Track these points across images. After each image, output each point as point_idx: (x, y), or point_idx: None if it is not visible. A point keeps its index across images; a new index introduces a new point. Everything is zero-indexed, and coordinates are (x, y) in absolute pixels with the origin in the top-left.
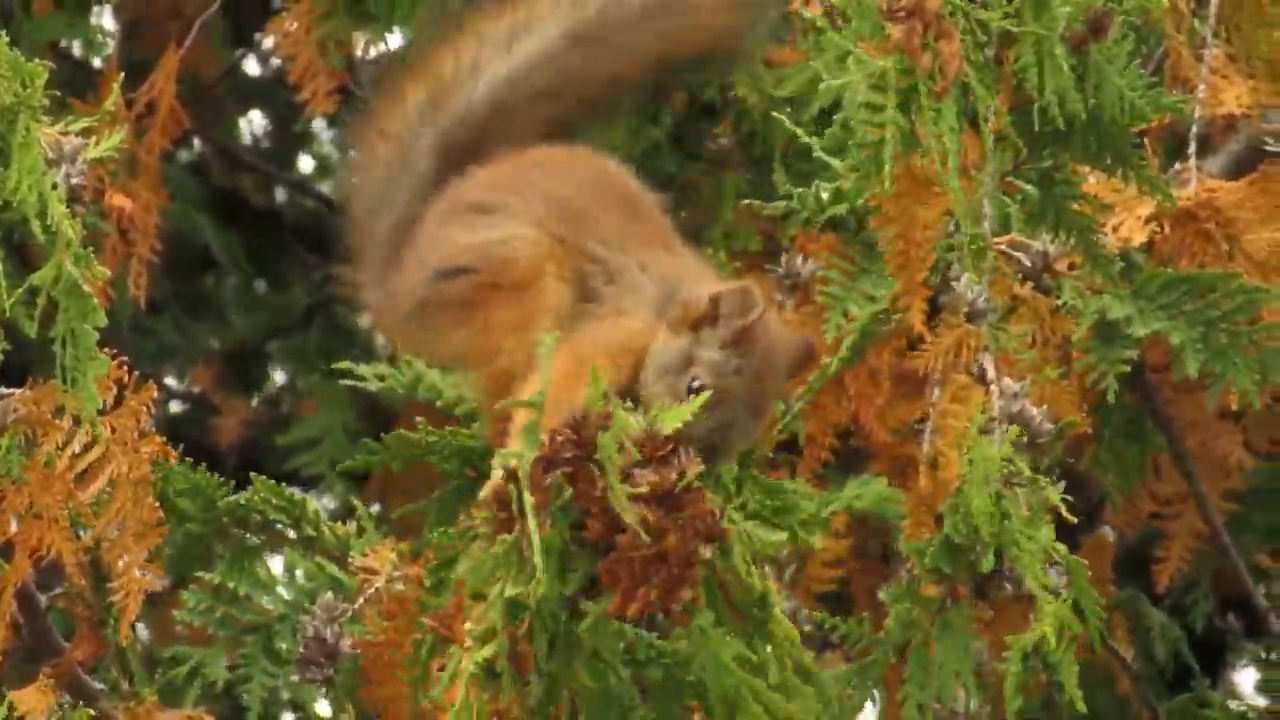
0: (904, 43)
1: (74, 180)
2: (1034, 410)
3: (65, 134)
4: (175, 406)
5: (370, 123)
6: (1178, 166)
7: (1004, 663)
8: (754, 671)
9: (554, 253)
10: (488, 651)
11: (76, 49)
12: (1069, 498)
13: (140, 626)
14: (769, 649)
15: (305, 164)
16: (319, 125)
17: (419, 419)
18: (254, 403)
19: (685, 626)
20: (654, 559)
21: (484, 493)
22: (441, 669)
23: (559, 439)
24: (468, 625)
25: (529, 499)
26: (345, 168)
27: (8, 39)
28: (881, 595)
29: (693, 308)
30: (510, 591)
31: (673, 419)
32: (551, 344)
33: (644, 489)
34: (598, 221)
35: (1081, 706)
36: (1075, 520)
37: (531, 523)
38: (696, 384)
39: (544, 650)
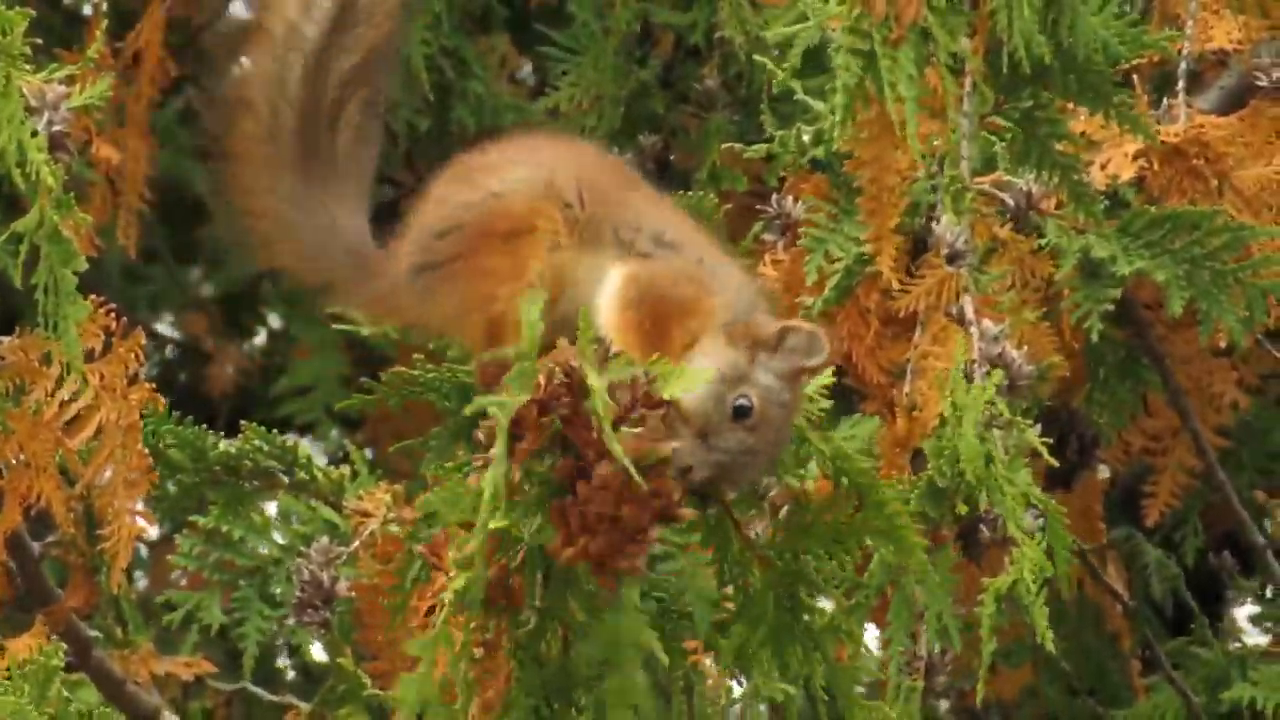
0: None
1: (56, 128)
2: (1014, 353)
3: (48, 82)
4: (168, 353)
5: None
6: (1167, 103)
7: (980, 606)
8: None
9: (551, 196)
10: (465, 579)
11: None
12: (1050, 440)
13: (138, 574)
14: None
15: None
16: None
17: (416, 355)
18: (246, 349)
19: (611, 591)
20: (606, 519)
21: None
22: (429, 611)
23: (554, 383)
24: (452, 554)
25: (502, 438)
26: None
27: None
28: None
29: (760, 329)
30: (496, 524)
31: (676, 386)
32: (532, 301)
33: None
34: (616, 186)
35: (1051, 647)
36: (1058, 463)
37: (500, 449)
38: (743, 403)
39: (537, 584)
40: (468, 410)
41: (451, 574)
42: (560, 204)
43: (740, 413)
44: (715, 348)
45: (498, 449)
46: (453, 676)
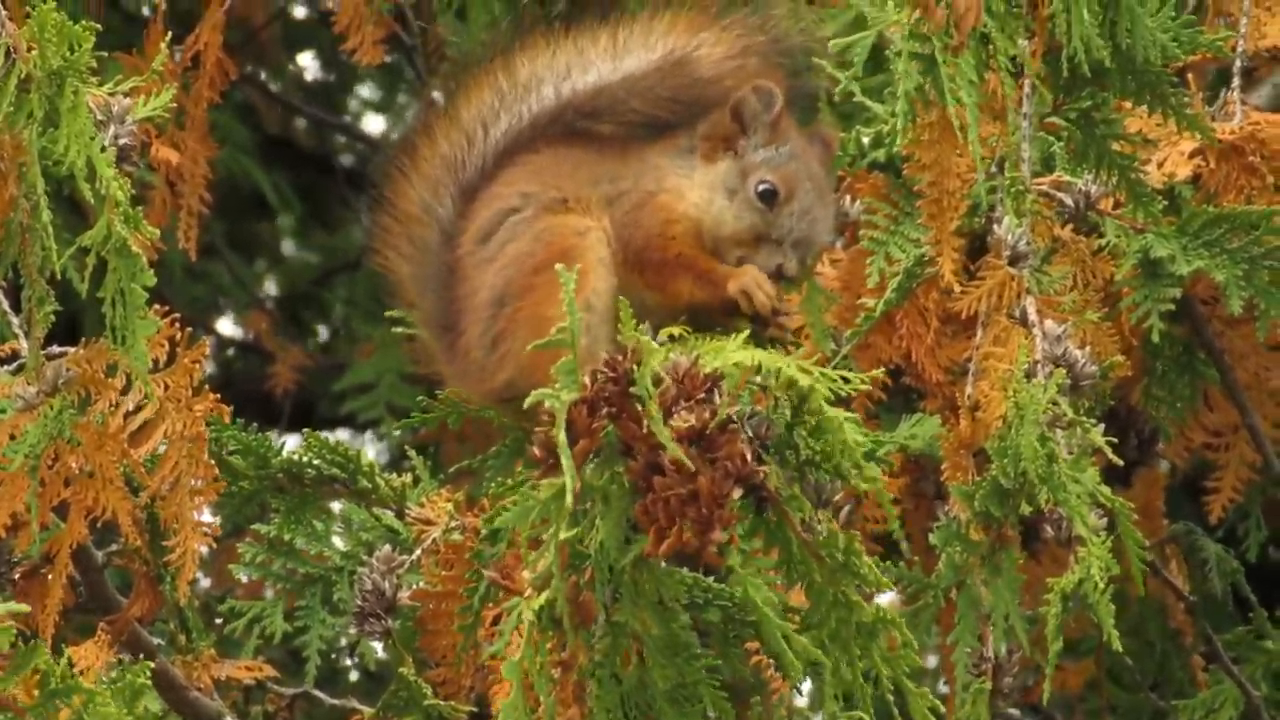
0: None
1: (123, 141)
2: (1077, 352)
3: (113, 94)
4: (230, 353)
5: (385, 208)
6: (1222, 100)
7: (1045, 606)
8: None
9: (572, 209)
10: (545, 598)
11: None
12: (1114, 439)
13: (200, 575)
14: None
15: (365, 92)
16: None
17: None
18: (308, 348)
19: (718, 566)
20: (687, 499)
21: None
22: (496, 619)
23: (599, 377)
24: (526, 574)
25: (563, 440)
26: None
27: None
28: (931, 539)
29: (718, 127)
30: (564, 535)
31: (716, 359)
32: (571, 275)
33: (682, 425)
34: (585, 159)
35: (1118, 646)
36: (1122, 462)
37: (566, 461)
38: (763, 187)
39: (607, 598)
40: (525, 404)
41: (528, 593)
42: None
43: (767, 196)
44: (704, 181)
45: (562, 454)
46: (539, 696)
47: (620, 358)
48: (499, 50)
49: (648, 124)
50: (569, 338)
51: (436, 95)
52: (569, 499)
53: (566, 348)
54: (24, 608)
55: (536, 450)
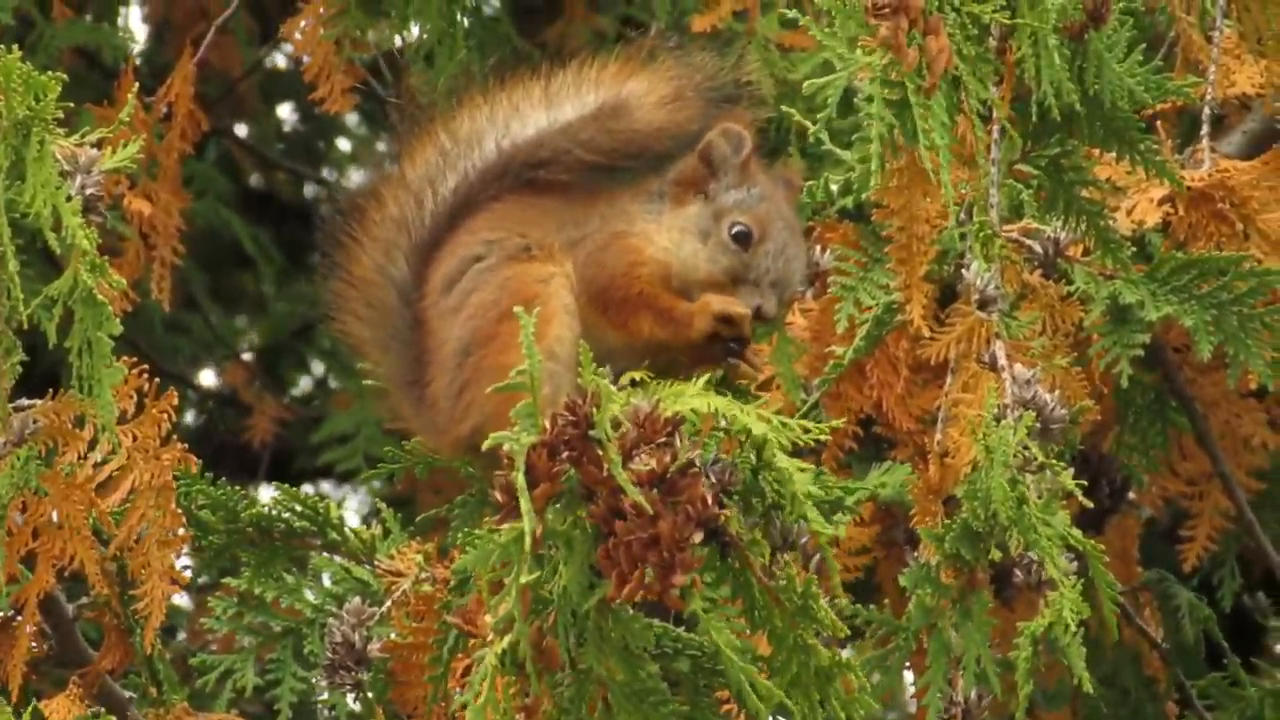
0: (889, 39)
1: (89, 191)
2: (1047, 396)
3: (80, 145)
4: (209, 404)
5: (335, 272)
6: (1191, 148)
7: (1015, 649)
8: (755, 659)
9: (535, 256)
10: (507, 641)
11: (101, 53)
12: (1084, 482)
13: (180, 633)
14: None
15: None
16: (348, 117)
17: None
18: (287, 400)
19: (680, 611)
20: (648, 543)
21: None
22: (466, 671)
23: (559, 421)
24: (488, 618)
25: (522, 483)
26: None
27: (25, 47)
28: (901, 580)
29: (687, 171)
30: (525, 579)
31: (676, 403)
32: (530, 320)
33: (643, 469)
34: (551, 206)
35: (1090, 688)
36: (1092, 505)
37: (525, 504)
38: (737, 228)
39: (571, 644)
40: (484, 446)
41: (489, 638)
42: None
43: (741, 237)
44: (675, 225)
45: (521, 497)
46: None
47: (580, 401)
48: (439, 109)
49: (600, 170)
50: (529, 381)
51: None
52: (528, 541)
53: (526, 391)
54: None
55: (497, 494)
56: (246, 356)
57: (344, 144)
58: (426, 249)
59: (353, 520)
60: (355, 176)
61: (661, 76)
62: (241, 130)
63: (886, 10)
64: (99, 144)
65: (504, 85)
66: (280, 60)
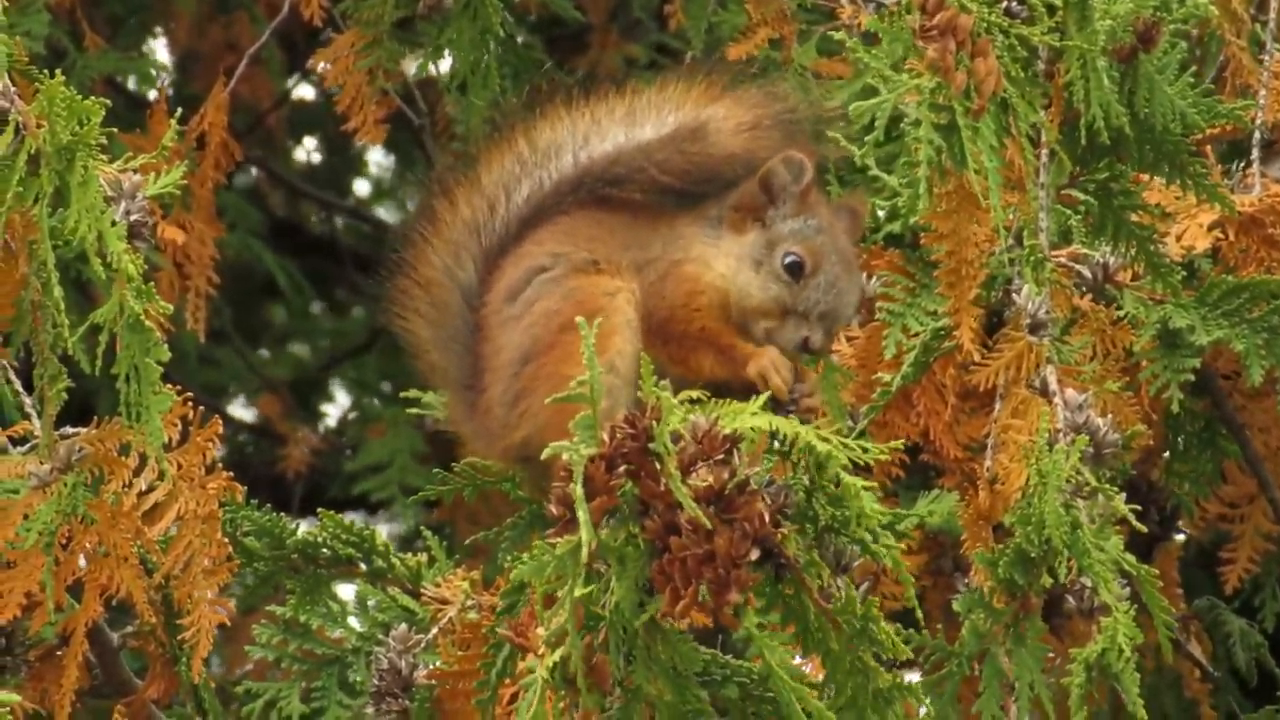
0: (937, 62)
1: (134, 217)
2: (1099, 420)
3: (124, 171)
4: (242, 437)
5: (405, 272)
6: (1241, 172)
7: (1067, 678)
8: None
9: (604, 270)
10: (559, 654)
11: (130, 82)
12: (1138, 507)
13: (214, 660)
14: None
15: (361, 187)
16: (374, 149)
17: None
18: (320, 430)
19: (734, 630)
20: (703, 559)
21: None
22: (513, 698)
23: (618, 434)
24: (540, 631)
25: (580, 494)
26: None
27: (61, 74)
28: (955, 605)
29: (746, 197)
30: (579, 591)
31: (735, 420)
32: (591, 330)
33: (700, 485)
34: (617, 224)
35: (1144, 715)
36: (1145, 529)
37: (583, 516)
38: (790, 259)
39: (620, 661)
40: (543, 456)
41: (541, 652)
42: (614, 269)
43: (793, 268)
44: (731, 251)
45: (579, 508)
46: None
47: (639, 414)
48: (520, 117)
49: (671, 192)
50: (588, 392)
51: (450, 165)
52: (584, 553)
53: (585, 402)
54: (13, 697)
55: (553, 506)
56: (279, 388)
57: (373, 174)
58: (494, 255)
59: None
60: (382, 209)
61: (742, 103)
62: (268, 161)
63: (934, 33)
64: (142, 169)
65: (587, 98)
66: (308, 92)
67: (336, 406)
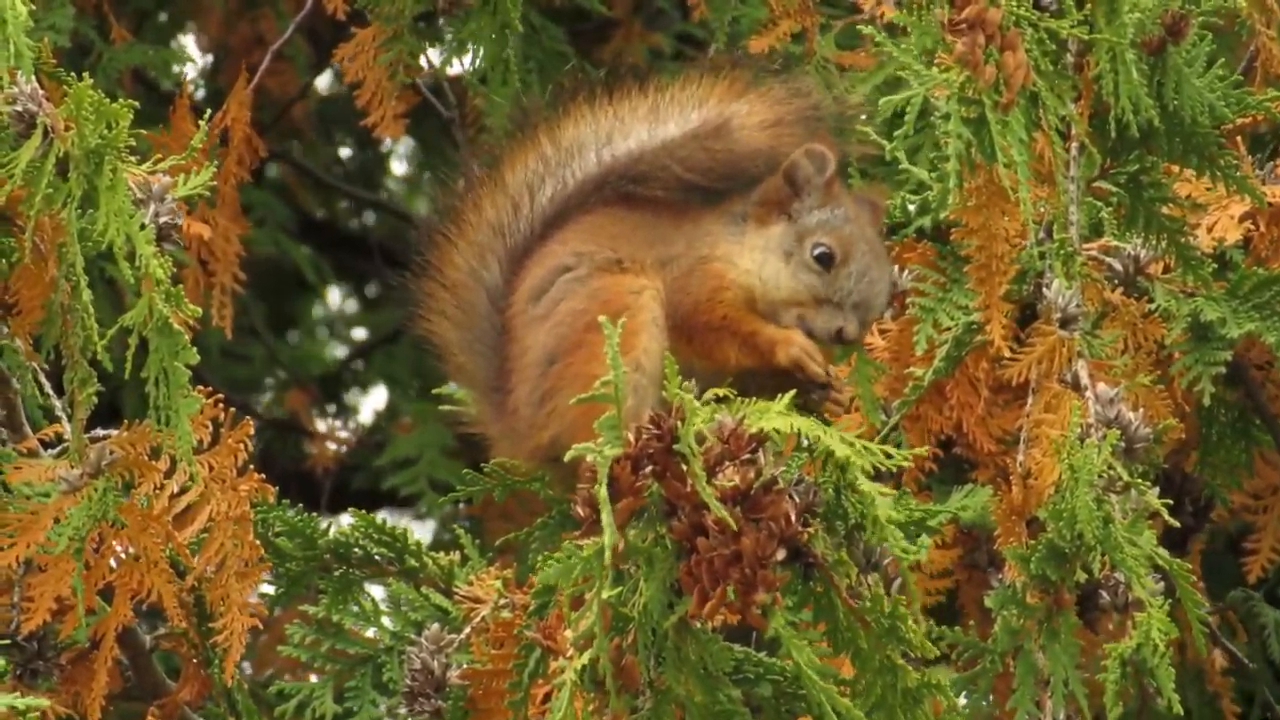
0: (966, 56)
1: (163, 219)
2: (1131, 415)
3: (153, 173)
4: (269, 432)
5: (430, 274)
6: (1271, 164)
7: (1101, 673)
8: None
9: (628, 269)
10: (587, 657)
11: (159, 77)
12: (1170, 501)
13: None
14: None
15: (393, 178)
16: (404, 143)
17: None
18: (349, 424)
19: (761, 631)
20: (731, 560)
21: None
22: (546, 697)
23: (643, 434)
24: (568, 633)
25: (605, 495)
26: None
27: (84, 70)
28: (987, 601)
29: (771, 191)
30: (606, 593)
31: (760, 420)
32: (615, 330)
33: (726, 485)
34: (641, 222)
35: (1179, 710)
36: (1179, 523)
37: (607, 517)
38: (820, 249)
39: (650, 662)
40: (566, 457)
41: (569, 654)
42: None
43: (824, 258)
44: (758, 244)
45: (604, 509)
46: None
47: (665, 415)
48: (543, 115)
49: (694, 189)
50: (614, 392)
51: (475, 165)
52: (609, 555)
53: (610, 402)
54: (43, 702)
55: (579, 508)
56: (307, 384)
57: (400, 168)
58: (519, 255)
59: None
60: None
61: (766, 100)
62: (297, 155)
63: (963, 26)
64: (171, 171)
65: (610, 96)
66: (325, 82)
67: (366, 401)
